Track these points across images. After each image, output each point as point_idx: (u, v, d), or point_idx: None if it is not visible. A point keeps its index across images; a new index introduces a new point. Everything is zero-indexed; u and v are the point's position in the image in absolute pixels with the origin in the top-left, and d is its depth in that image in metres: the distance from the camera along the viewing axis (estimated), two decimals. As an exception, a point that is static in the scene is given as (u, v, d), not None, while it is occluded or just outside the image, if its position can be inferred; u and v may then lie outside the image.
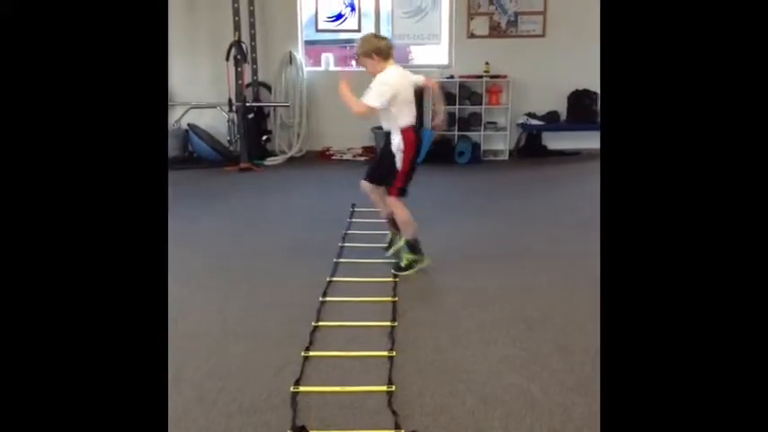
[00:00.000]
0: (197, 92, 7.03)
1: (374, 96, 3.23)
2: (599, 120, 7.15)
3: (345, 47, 7.59)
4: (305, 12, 7.32)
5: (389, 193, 3.45)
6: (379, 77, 3.27)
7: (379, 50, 3.27)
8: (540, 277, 3.44)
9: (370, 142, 7.24)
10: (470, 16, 7.19)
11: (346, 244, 3.95)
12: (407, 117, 3.35)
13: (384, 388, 2.27)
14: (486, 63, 7.09)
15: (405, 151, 3.34)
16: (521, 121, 7.24)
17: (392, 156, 3.39)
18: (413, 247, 3.48)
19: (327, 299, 3.09)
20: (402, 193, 3.42)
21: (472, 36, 7.24)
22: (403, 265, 3.48)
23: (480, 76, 7.07)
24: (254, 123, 6.89)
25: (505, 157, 7.20)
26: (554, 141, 7.40)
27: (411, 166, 3.39)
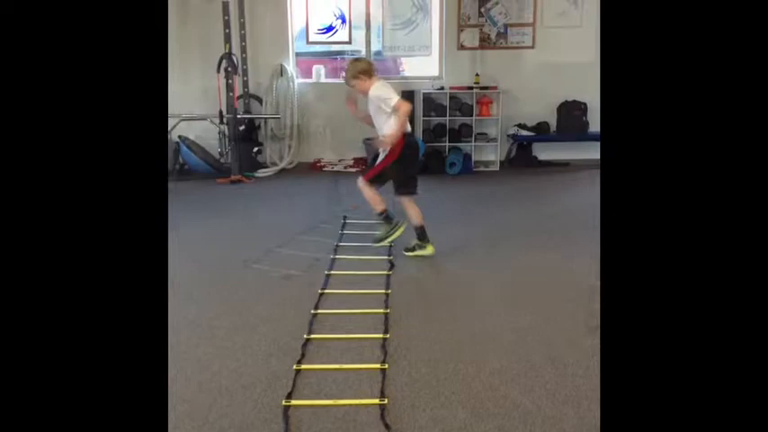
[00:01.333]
0: (188, 104, 7.01)
1: (395, 95, 3.69)
2: (588, 130, 7.21)
3: (336, 59, 7.61)
4: (296, 24, 7.34)
5: (363, 176, 3.92)
6: (379, 89, 3.72)
7: (364, 71, 3.78)
8: (532, 287, 3.44)
9: (360, 153, 7.25)
10: (460, 28, 7.24)
11: (338, 256, 3.95)
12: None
13: (376, 401, 2.27)
14: (477, 74, 7.14)
15: (390, 152, 3.76)
16: (511, 132, 7.28)
17: (378, 155, 3.90)
18: (386, 218, 3.99)
19: (319, 311, 3.09)
20: (373, 183, 3.89)
21: (462, 48, 7.29)
22: (379, 236, 4.04)
23: (471, 88, 7.11)
24: (245, 135, 6.89)
25: (496, 167, 7.22)
26: (544, 152, 7.44)
27: (391, 166, 3.80)
